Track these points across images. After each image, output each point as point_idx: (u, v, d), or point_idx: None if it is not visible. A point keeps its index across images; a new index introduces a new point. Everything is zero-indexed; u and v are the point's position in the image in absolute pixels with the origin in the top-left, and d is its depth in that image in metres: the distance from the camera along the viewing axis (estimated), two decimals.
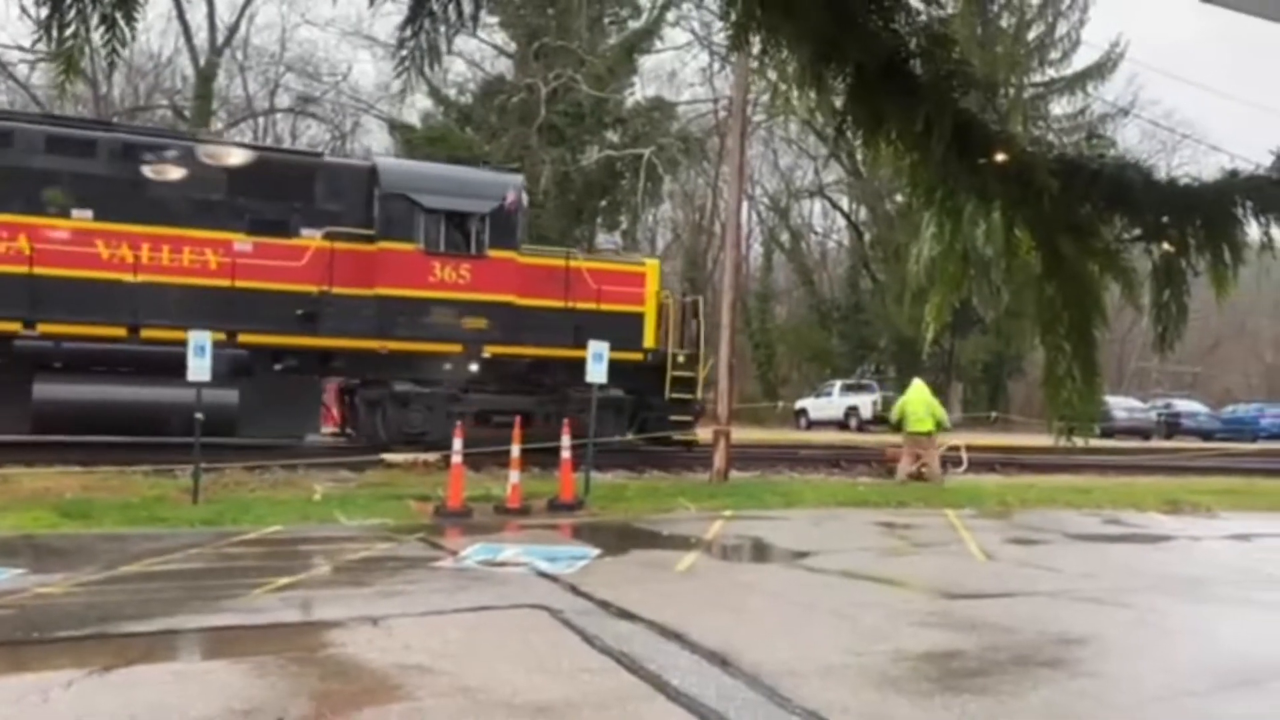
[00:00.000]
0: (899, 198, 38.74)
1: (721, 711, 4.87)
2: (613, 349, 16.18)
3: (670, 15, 38.94)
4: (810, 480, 17.20)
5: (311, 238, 16.16)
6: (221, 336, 14.99)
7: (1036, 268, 2.60)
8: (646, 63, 40.93)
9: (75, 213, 15.04)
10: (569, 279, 17.42)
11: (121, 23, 2.36)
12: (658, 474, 16.97)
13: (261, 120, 42.51)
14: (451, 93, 39.49)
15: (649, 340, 17.92)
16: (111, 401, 12.47)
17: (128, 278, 14.92)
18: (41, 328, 14.59)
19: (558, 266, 17.69)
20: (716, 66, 37.92)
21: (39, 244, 14.66)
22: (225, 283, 15.43)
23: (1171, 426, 42.66)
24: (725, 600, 7.67)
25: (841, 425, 37.23)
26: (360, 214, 16.61)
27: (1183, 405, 45.39)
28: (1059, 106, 41.00)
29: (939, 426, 17.33)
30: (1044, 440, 20.70)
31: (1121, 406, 40.98)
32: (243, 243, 15.66)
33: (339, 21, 48.86)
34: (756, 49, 2.47)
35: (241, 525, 10.42)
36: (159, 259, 15.25)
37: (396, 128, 38.74)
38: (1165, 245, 2.61)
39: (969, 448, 19.59)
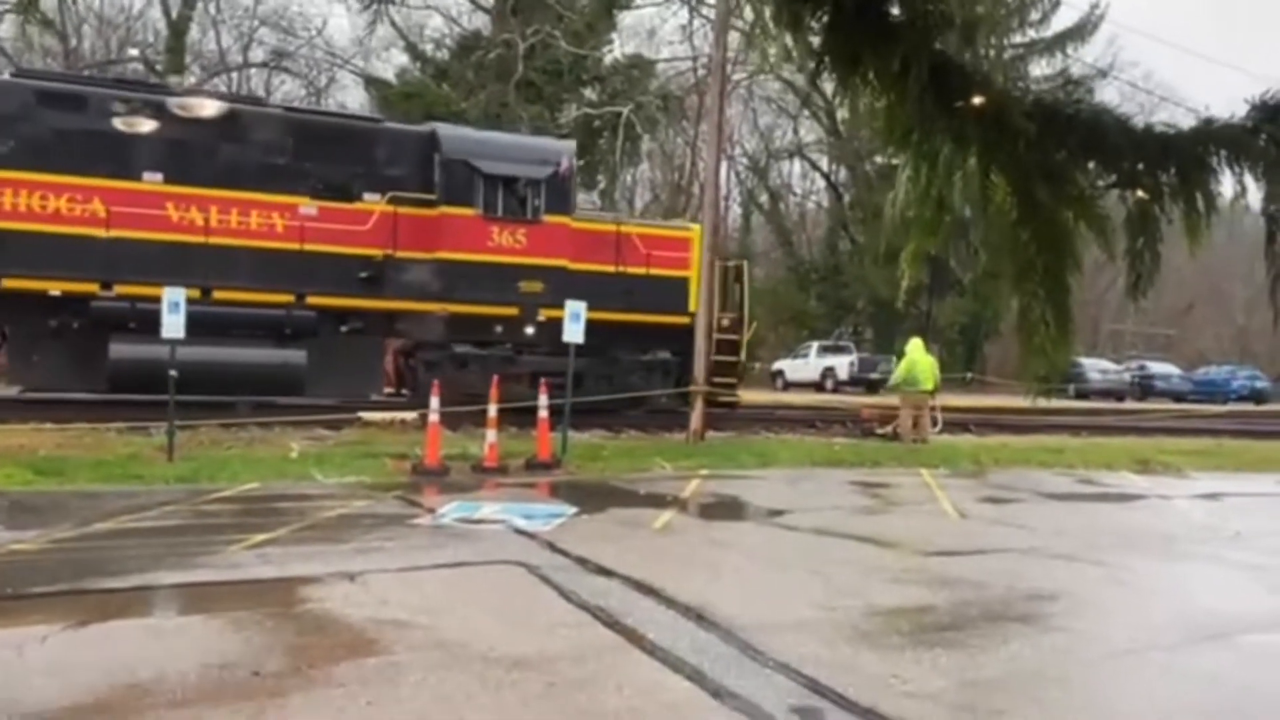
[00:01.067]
0: (879, 159, 38.65)
1: (696, 664, 4.92)
2: (660, 312, 17.64)
3: None
4: (786, 440, 17.30)
5: (373, 202, 16.57)
6: (291, 298, 15.96)
7: (1011, 214, 2.60)
8: (625, 19, 40.60)
9: (147, 175, 15.39)
10: (619, 244, 17.87)
11: None
12: (635, 434, 17.03)
13: (235, 75, 41.93)
14: (428, 48, 39.02)
15: (694, 304, 18.10)
16: (184, 361, 12.68)
17: (199, 240, 15.32)
18: (118, 289, 15.01)
19: (609, 232, 18.05)
20: (696, 24, 37.53)
21: (114, 206, 14.99)
22: (294, 245, 15.84)
23: (1145, 388, 43.10)
24: (701, 557, 7.72)
25: (818, 386, 37.40)
26: (419, 179, 16.97)
27: (1156, 367, 45.89)
28: (1039, 68, 40.91)
29: (936, 386, 17.80)
30: (1018, 401, 21.00)
31: (1096, 368, 41.37)
32: (308, 206, 16.06)
33: None
34: None
35: (217, 482, 10.39)
36: (228, 222, 15.67)
37: (372, 83, 38.31)
38: (1140, 193, 2.61)
39: (945, 408, 19.71)
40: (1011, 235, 2.62)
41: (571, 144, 19.79)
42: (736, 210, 50.74)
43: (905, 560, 7.98)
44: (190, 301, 12.37)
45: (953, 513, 10.50)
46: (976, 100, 2.42)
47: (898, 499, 11.40)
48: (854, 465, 14.26)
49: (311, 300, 16.08)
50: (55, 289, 14.77)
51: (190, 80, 36.81)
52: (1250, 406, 38.55)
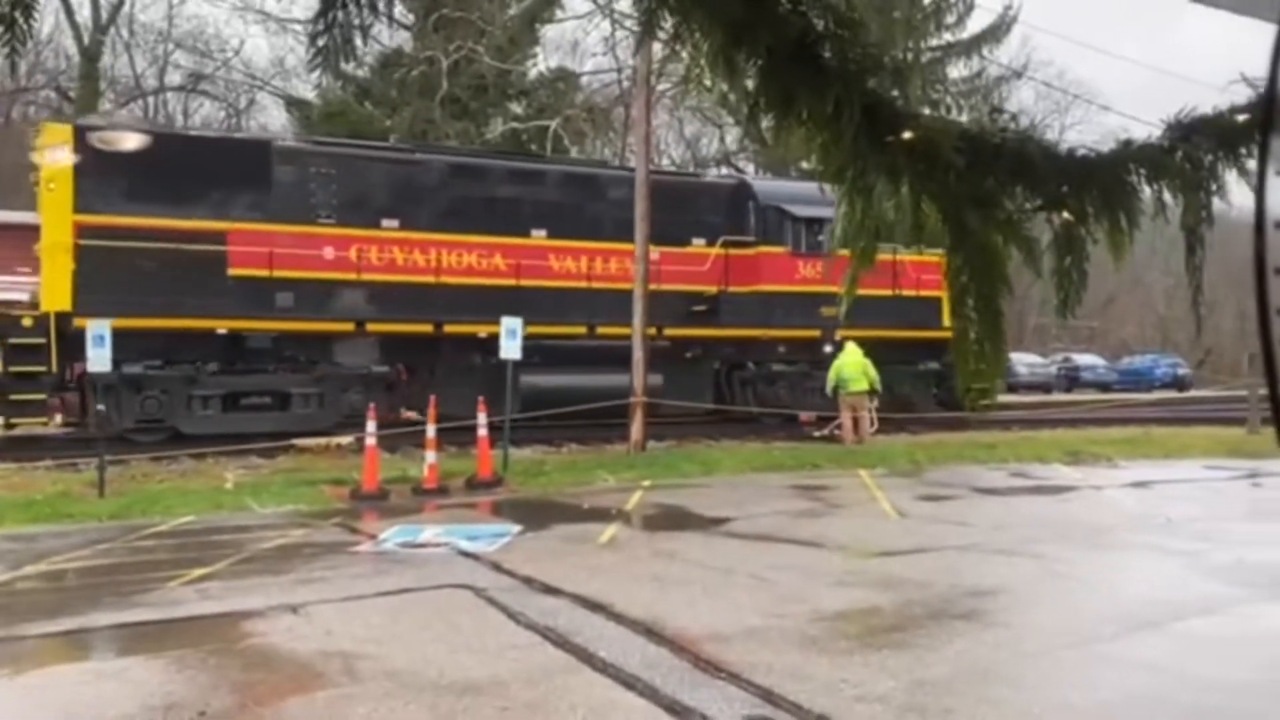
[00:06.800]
0: (804, 164, 39.02)
1: (648, 679, 4.93)
2: (927, 328, 19.90)
3: None
4: (727, 447, 17.40)
5: (700, 245, 19.82)
6: (653, 331, 18.12)
7: (944, 241, 2.69)
8: (548, 33, 40.50)
9: (534, 232, 18.43)
10: (895, 270, 19.68)
11: (20, 20, 2.29)
12: (576, 448, 17.02)
13: (151, 100, 41.14)
14: (349, 67, 38.63)
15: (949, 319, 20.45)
16: (574, 387, 15.55)
17: (582, 285, 18.22)
18: (527, 329, 17.04)
19: (886, 260, 19.31)
20: (619, 35, 37.62)
21: (512, 260, 18.01)
22: (651, 286, 17.88)
23: (1071, 380, 44.04)
24: (648, 569, 7.73)
25: None
26: (733, 223, 20.19)
27: (1082, 359, 46.91)
28: (955, 70, 41.63)
29: (872, 387, 18.01)
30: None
31: (1023, 362, 42.16)
32: (652, 252, 18.09)
33: None
34: (668, 34, 2.50)
35: (151, 517, 10.19)
36: (594, 268, 18.60)
37: (293, 104, 37.84)
38: (1065, 214, 2.71)
39: (879, 408, 19.99)
40: (945, 261, 2.72)
41: None
42: None
43: (849, 562, 8.07)
44: (577, 338, 17.22)
45: (892, 512, 10.64)
46: (907, 136, 2.50)
47: (838, 501, 11.53)
48: (794, 469, 14.39)
49: (668, 332, 18.94)
50: (483, 331, 16.91)
51: (105, 106, 36.05)
52: (1174, 394, 39.56)
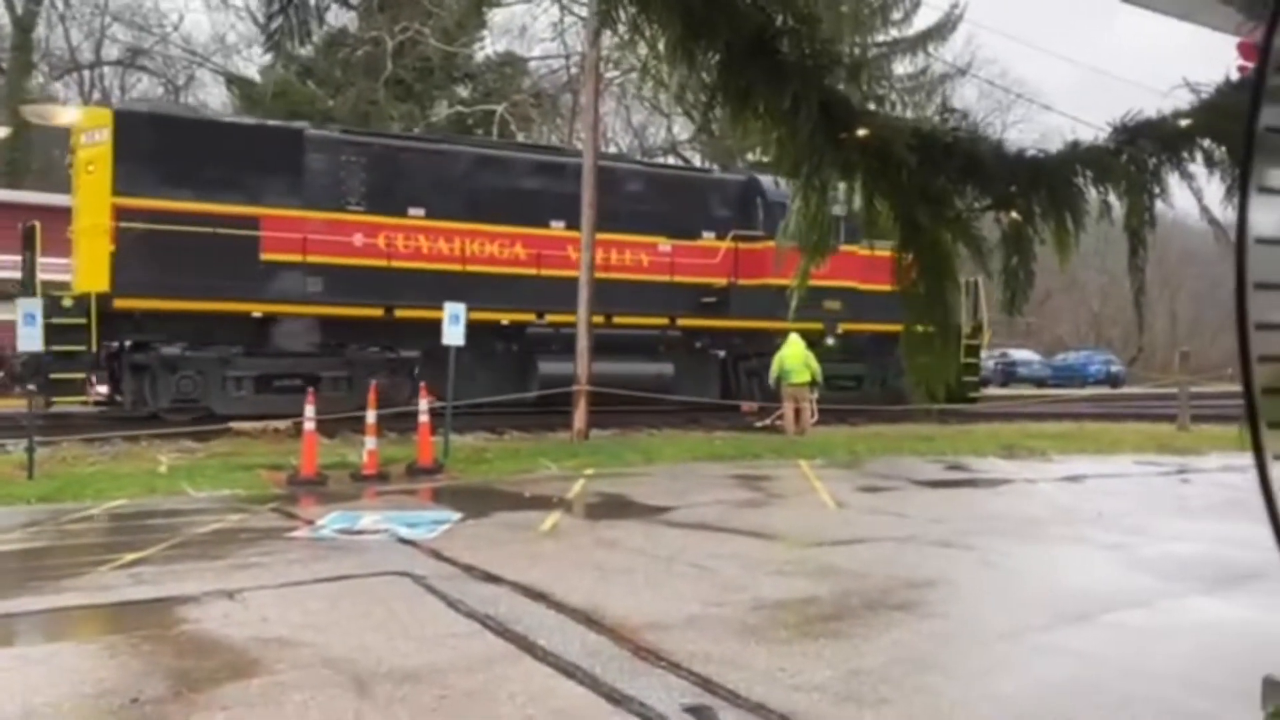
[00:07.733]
0: (750, 156, 39.17)
1: (589, 668, 4.93)
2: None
3: None
4: (669, 436, 17.45)
5: (710, 239, 20.81)
6: (666, 321, 20.11)
7: (895, 238, 2.71)
8: (496, 16, 40.19)
9: (553, 223, 19.19)
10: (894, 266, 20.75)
11: None
12: (518, 435, 16.97)
13: (88, 74, 40.20)
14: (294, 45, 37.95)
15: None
16: (594, 373, 15.88)
17: (600, 275, 18.04)
18: (548, 318, 18.80)
19: (887, 256, 21.07)
20: (568, 21, 37.42)
21: (533, 250, 18.93)
22: (665, 278, 19.75)
23: (1008, 375, 44.76)
24: (589, 558, 7.73)
25: None
26: (741, 217, 21.15)
27: (1018, 354, 47.66)
28: (901, 66, 41.96)
29: (814, 379, 18.15)
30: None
31: None
32: (665, 245, 19.81)
33: None
34: (625, 25, 2.48)
35: (83, 500, 10.00)
36: (609, 259, 19.14)
37: (234, 82, 37.21)
38: (1013, 214, 2.75)
39: (819, 400, 20.19)
40: (896, 258, 2.74)
41: None
42: None
43: (788, 552, 8.13)
44: (597, 326, 16.97)
45: (831, 503, 10.73)
46: (862, 133, 2.51)
47: (778, 491, 11.61)
48: (735, 459, 14.46)
49: (680, 322, 20.12)
50: (505, 319, 18.46)
51: (39, 79, 35.19)
52: (1107, 390, 40.36)
